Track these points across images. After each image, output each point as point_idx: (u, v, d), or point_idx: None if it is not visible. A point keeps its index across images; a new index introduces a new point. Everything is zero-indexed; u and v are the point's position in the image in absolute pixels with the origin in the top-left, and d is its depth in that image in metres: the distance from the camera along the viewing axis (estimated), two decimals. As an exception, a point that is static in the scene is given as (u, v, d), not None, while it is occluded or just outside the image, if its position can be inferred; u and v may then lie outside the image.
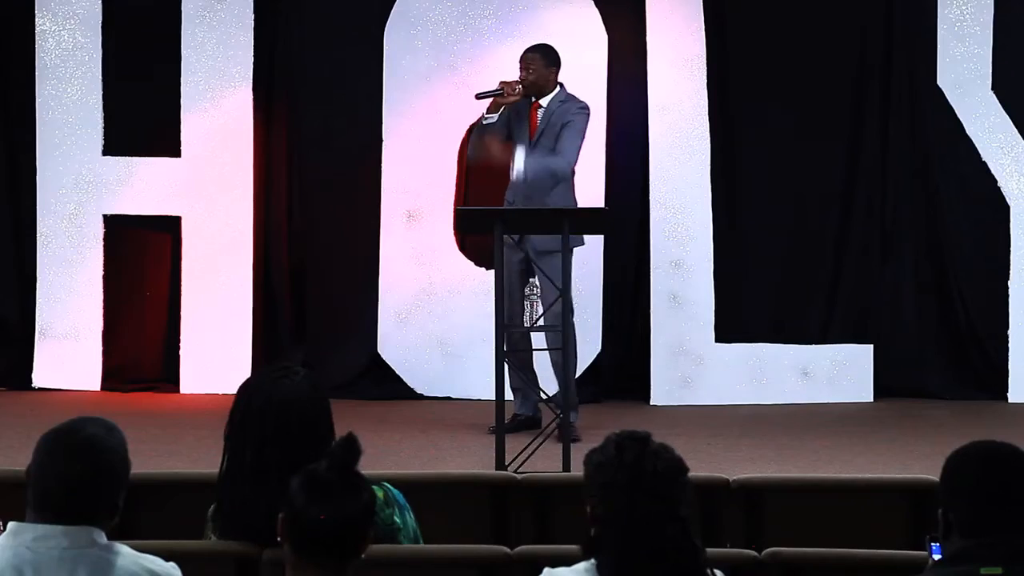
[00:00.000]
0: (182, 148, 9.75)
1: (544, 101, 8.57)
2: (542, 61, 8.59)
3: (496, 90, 8.48)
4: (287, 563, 3.18)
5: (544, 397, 8.08)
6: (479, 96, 8.51)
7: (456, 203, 9.55)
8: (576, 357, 8.35)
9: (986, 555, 3.19)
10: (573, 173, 8.54)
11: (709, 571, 3.19)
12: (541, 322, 8.23)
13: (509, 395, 8.23)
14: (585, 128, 8.57)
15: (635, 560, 3.12)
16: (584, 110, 8.58)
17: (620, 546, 3.13)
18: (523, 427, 8.25)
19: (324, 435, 3.89)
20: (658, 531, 3.12)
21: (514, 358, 8.05)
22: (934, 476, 4.91)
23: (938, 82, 9.74)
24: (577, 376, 8.92)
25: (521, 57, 8.63)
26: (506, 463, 7.29)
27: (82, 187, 9.76)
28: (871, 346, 9.75)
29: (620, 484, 3.14)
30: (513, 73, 8.61)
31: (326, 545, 3.14)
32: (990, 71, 9.71)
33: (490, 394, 7.58)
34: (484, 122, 8.48)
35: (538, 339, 8.27)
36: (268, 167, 9.87)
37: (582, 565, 3.22)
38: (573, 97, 8.65)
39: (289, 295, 9.91)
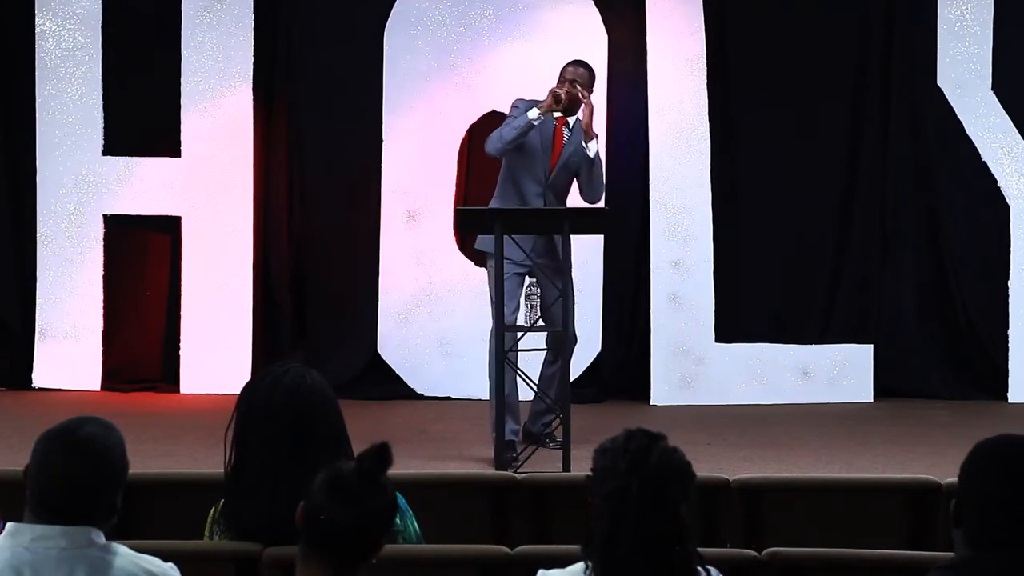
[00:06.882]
0: (182, 148, 9.76)
1: (571, 121, 8.14)
2: (588, 79, 8.16)
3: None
4: (298, 553, 3.18)
5: (547, 401, 8.03)
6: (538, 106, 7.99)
7: (456, 203, 9.55)
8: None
9: (986, 569, 3.03)
10: None
11: (703, 570, 3.17)
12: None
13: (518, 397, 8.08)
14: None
15: (623, 551, 3.09)
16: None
17: (610, 535, 3.10)
18: (511, 449, 7.80)
19: (338, 434, 3.89)
20: (649, 524, 3.08)
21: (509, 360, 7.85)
22: (934, 476, 4.93)
23: (938, 82, 9.75)
24: (577, 376, 8.92)
25: (567, 69, 8.15)
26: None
27: (82, 187, 9.76)
28: (871, 346, 9.75)
29: (620, 471, 3.12)
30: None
31: (338, 545, 3.14)
32: (990, 71, 9.71)
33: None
34: (534, 121, 7.92)
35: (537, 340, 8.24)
36: (268, 167, 9.87)
37: (576, 566, 3.21)
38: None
39: (289, 295, 9.91)
